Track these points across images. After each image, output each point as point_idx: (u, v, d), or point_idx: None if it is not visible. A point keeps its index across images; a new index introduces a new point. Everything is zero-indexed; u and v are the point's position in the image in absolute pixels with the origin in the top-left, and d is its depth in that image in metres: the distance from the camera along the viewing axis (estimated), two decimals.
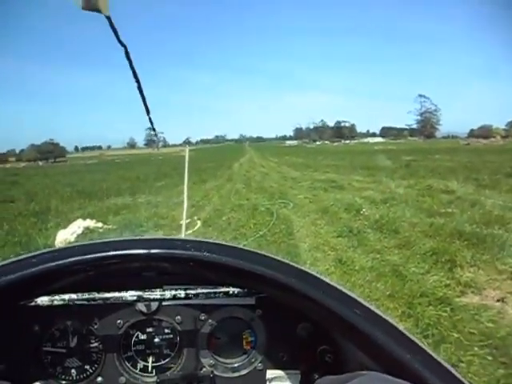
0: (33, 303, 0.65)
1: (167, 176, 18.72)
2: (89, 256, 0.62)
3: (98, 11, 0.52)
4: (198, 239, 0.69)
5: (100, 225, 7.39)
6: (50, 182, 20.66)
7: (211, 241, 0.67)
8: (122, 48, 0.62)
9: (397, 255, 5.01)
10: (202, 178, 15.51)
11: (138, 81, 0.69)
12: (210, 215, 8.16)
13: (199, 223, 7.36)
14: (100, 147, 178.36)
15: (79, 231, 6.78)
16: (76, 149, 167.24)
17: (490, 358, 2.72)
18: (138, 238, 0.68)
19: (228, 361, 0.86)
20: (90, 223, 7.29)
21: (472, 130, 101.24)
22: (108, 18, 0.54)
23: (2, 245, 6.31)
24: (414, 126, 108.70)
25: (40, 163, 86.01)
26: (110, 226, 7.38)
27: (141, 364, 0.84)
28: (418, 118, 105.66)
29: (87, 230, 6.90)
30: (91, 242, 0.68)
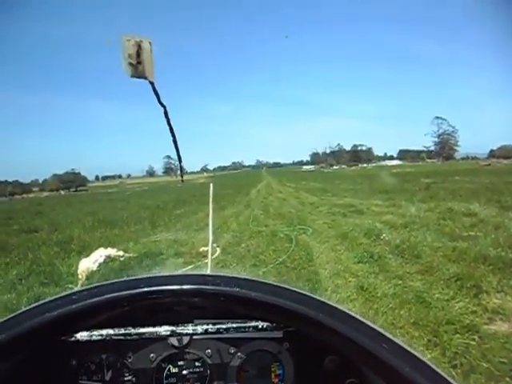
0: (72, 339, 0.68)
1: (186, 203, 18.90)
2: (124, 293, 0.66)
3: (145, 78, 0.58)
4: (227, 275, 0.71)
5: (121, 253, 7.47)
6: (72, 212, 21.08)
7: (240, 276, 0.70)
8: (162, 108, 0.68)
9: (420, 281, 4.90)
10: (220, 205, 15.59)
11: (173, 135, 0.75)
12: (229, 242, 8.17)
13: (218, 250, 7.37)
14: (120, 176, 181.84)
15: (101, 260, 6.87)
16: (97, 178, 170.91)
17: None
18: (169, 274, 0.71)
19: None
20: (112, 252, 7.39)
21: (492, 151, 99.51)
22: (151, 83, 0.60)
23: (27, 274, 6.43)
24: (432, 148, 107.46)
25: (62, 192, 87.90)
26: (131, 255, 7.46)
27: None
28: (436, 139, 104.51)
29: (108, 259, 6.98)
30: (126, 279, 0.72)
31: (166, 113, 0.69)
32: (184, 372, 0.86)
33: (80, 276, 6.27)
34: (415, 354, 0.58)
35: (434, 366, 0.57)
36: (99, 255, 7.04)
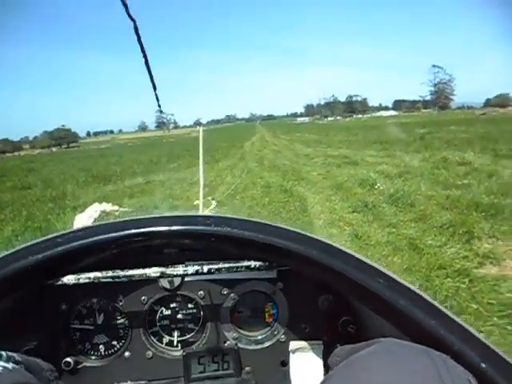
0: (59, 282, 0.66)
1: (179, 158, 18.80)
2: (112, 235, 0.63)
3: None
4: (218, 215, 0.69)
5: (116, 208, 7.49)
6: (64, 168, 20.94)
7: (231, 216, 0.67)
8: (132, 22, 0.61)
9: (413, 229, 4.97)
10: (214, 158, 15.52)
11: (145, 55, 0.68)
12: (224, 194, 8.19)
13: (214, 203, 7.40)
14: (112, 131, 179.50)
15: (96, 215, 6.89)
16: (88, 134, 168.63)
17: (509, 327, 2.72)
18: (159, 215, 0.68)
19: (251, 333, 0.87)
20: (107, 206, 7.39)
21: (488, 100, 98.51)
22: None
23: (23, 230, 6.44)
24: (428, 98, 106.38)
25: (53, 149, 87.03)
26: (126, 209, 7.47)
27: (166, 338, 0.86)
28: (432, 89, 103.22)
29: (104, 214, 7.00)
30: (114, 221, 0.69)
31: (135, 28, 0.62)
32: (177, 314, 0.86)
33: None
34: (410, 287, 0.57)
35: (428, 298, 0.56)
36: (94, 210, 7.05)
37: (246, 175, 10.85)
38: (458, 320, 0.54)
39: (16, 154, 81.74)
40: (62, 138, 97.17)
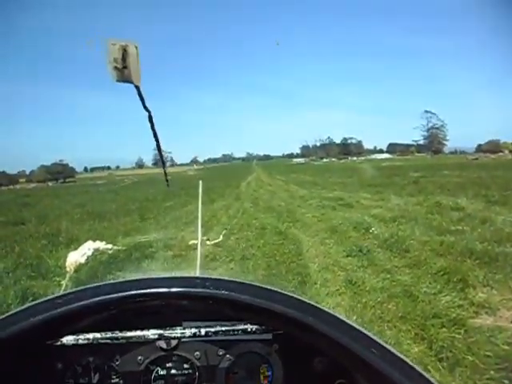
0: (59, 343, 0.67)
1: (175, 196, 18.82)
2: (111, 296, 0.64)
3: (131, 82, 0.56)
4: (216, 277, 0.71)
5: (110, 246, 7.41)
6: (60, 203, 20.85)
7: (229, 279, 0.69)
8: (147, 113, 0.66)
9: (407, 275, 4.95)
10: (210, 198, 15.55)
11: (157, 141, 0.73)
12: (219, 235, 8.16)
13: (208, 243, 7.36)
14: (109, 167, 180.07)
15: (89, 253, 6.79)
16: (85, 169, 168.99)
17: (506, 381, 2.66)
18: (157, 276, 0.70)
19: None
20: (100, 245, 7.31)
21: (480, 145, 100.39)
22: (137, 87, 0.58)
23: (15, 267, 6.35)
24: (421, 142, 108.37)
25: (50, 184, 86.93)
26: (120, 247, 7.40)
27: None
28: (425, 133, 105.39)
29: (97, 252, 6.92)
30: (113, 281, 0.70)
31: (150, 117, 0.68)
32: (172, 374, 0.86)
33: (68, 269, 6.19)
34: (405, 359, 0.58)
35: (424, 373, 0.57)
36: (87, 248, 6.95)
37: (241, 216, 10.86)
38: None
39: (11, 187, 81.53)
40: (59, 172, 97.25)
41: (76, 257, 6.65)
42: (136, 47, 0.58)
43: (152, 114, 0.67)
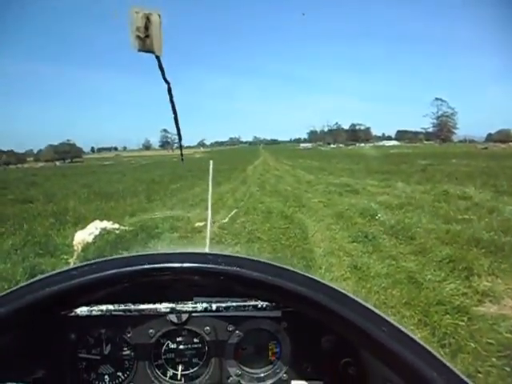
0: (72, 314, 0.68)
1: (182, 178, 18.87)
2: (125, 269, 0.65)
3: (152, 52, 0.56)
4: (228, 254, 0.71)
5: (117, 226, 7.49)
6: (67, 183, 21.02)
7: (241, 256, 0.69)
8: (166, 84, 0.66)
9: (412, 262, 4.97)
10: (216, 181, 15.56)
11: (175, 112, 0.73)
12: (225, 219, 8.19)
13: (214, 226, 7.40)
14: (116, 148, 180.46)
15: (96, 232, 6.88)
16: (92, 149, 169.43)
17: (508, 368, 2.69)
18: (170, 252, 0.71)
19: (254, 371, 0.89)
20: (107, 224, 7.39)
21: (490, 135, 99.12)
22: (158, 57, 0.57)
23: (23, 245, 6.43)
24: (430, 130, 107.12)
25: (57, 163, 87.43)
26: (127, 228, 7.47)
27: (170, 372, 0.87)
28: (434, 121, 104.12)
29: (104, 231, 7.00)
30: (127, 255, 0.71)
31: (169, 89, 0.67)
32: (182, 348, 0.88)
33: (75, 248, 6.29)
34: (414, 337, 0.58)
35: (431, 350, 0.57)
36: (95, 227, 7.05)
37: (247, 199, 10.89)
38: (461, 374, 0.55)
39: (19, 166, 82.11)
40: (67, 152, 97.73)
41: (83, 236, 6.75)
42: (159, 15, 0.57)
43: (171, 86, 0.66)
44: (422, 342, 0.58)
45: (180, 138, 0.88)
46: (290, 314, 0.81)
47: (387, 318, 0.61)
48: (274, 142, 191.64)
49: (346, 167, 22.71)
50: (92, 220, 7.76)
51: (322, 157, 39.98)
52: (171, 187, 15.28)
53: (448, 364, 0.56)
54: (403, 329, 0.60)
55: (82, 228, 7.23)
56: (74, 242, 6.47)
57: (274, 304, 0.71)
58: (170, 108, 0.73)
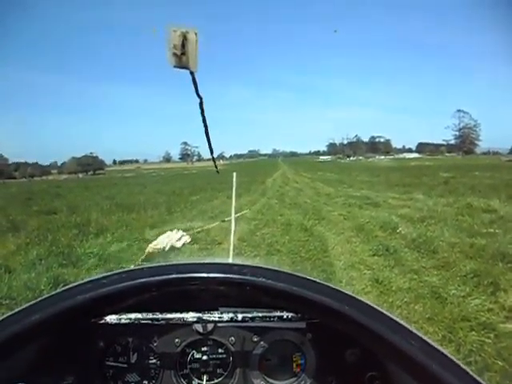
0: (102, 321, 0.71)
1: (202, 190, 19.00)
2: (153, 278, 0.67)
3: (188, 69, 0.59)
4: (253, 264, 0.72)
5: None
6: (90, 195, 21.40)
7: (266, 266, 0.70)
8: (198, 99, 0.69)
9: (435, 276, 4.86)
10: (236, 193, 15.59)
11: (206, 126, 0.76)
12: (244, 231, 8.21)
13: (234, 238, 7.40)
14: (137, 161, 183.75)
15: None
16: (114, 162, 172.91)
17: None
18: (197, 262, 0.73)
19: (278, 382, 0.89)
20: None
21: None
22: (192, 73, 0.60)
23: (47, 255, 6.57)
24: (452, 142, 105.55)
25: (80, 175, 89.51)
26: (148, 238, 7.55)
27: (195, 382, 0.88)
28: (456, 133, 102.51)
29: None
30: (155, 264, 0.73)
31: (201, 104, 0.70)
32: (207, 358, 0.88)
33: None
34: (443, 351, 0.58)
35: (461, 365, 0.57)
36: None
37: (266, 211, 10.88)
38: None
39: (44, 178, 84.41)
40: (89, 164, 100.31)
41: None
42: (196, 33, 0.60)
43: (203, 101, 0.69)
44: (451, 356, 0.58)
45: (211, 151, 0.91)
46: (315, 325, 0.81)
47: (415, 331, 0.61)
48: (293, 154, 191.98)
49: (366, 179, 22.52)
50: (114, 231, 7.90)
51: (341, 169, 39.75)
52: (191, 199, 15.40)
53: (478, 378, 0.56)
54: (432, 342, 0.59)
55: (105, 239, 7.36)
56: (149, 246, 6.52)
57: (299, 315, 0.71)
58: (201, 122, 0.76)
